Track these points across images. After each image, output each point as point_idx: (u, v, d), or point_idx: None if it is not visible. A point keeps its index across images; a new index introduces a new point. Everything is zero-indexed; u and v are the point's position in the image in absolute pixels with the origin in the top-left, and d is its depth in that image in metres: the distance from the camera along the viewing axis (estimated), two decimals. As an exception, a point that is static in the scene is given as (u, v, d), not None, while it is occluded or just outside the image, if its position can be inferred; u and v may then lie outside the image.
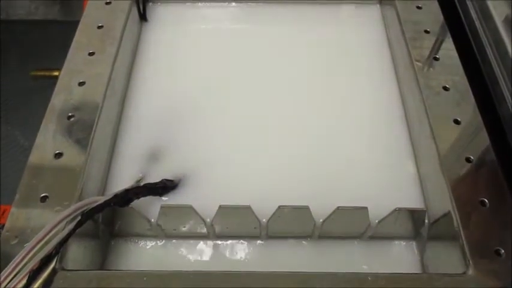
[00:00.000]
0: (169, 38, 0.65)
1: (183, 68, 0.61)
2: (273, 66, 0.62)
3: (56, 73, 0.55)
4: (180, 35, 0.65)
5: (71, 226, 0.39)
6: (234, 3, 0.68)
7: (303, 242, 0.48)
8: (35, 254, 0.37)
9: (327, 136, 0.54)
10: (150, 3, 0.68)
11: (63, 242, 0.38)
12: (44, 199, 0.42)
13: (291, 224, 0.46)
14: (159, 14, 0.67)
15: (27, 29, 1.31)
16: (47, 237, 0.38)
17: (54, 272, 0.38)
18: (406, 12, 0.60)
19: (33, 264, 0.37)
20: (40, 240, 0.37)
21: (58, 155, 0.46)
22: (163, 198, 0.48)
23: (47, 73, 0.80)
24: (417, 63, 0.54)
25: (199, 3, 0.68)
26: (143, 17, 0.65)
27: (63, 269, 0.39)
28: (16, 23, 1.24)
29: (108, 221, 0.46)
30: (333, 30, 0.66)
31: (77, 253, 0.42)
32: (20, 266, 0.36)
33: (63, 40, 0.57)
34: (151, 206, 0.47)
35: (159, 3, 0.68)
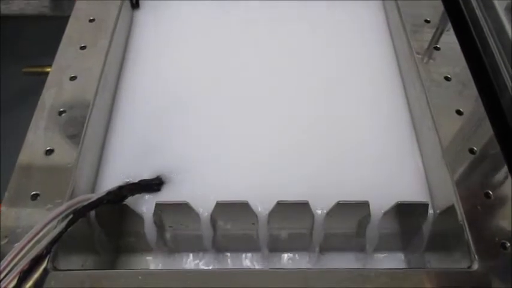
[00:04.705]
0: (162, 27, 0.63)
1: (177, 60, 0.59)
2: (272, 57, 0.60)
3: (48, 69, 0.53)
4: (173, 24, 0.63)
5: (63, 224, 0.38)
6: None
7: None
8: (25, 254, 0.36)
9: (327, 129, 0.52)
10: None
11: (55, 241, 0.37)
12: (34, 197, 0.41)
13: (290, 219, 0.45)
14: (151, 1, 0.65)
15: (19, 25, 1.30)
16: (38, 236, 0.36)
17: (45, 272, 0.37)
18: (406, 2, 0.59)
19: (23, 264, 0.35)
20: (31, 240, 0.36)
21: (49, 152, 0.44)
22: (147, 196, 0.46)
23: (39, 69, 0.79)
24: (418, 53, 0.53)
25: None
26: (136, 4, 0.63)
27: (55, 269, 0.38)
28: (7, 19, 1.23)
29: (102, 219, 0.45)
30: (333, 22, 0.64)
31: (70, 252, 0.41)
32: (10, 267, 0.35)
33: (56, 36, 0.56)
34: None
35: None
